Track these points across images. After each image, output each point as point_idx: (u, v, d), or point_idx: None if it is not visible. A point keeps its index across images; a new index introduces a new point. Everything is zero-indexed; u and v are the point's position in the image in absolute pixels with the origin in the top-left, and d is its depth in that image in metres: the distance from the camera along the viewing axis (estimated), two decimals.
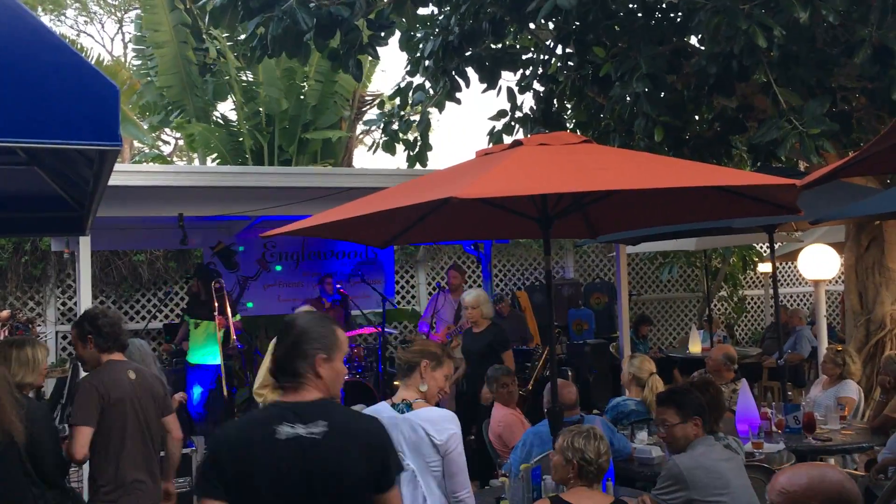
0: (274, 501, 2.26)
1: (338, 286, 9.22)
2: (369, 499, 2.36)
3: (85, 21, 25.76)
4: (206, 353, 8.10)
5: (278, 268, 9.73)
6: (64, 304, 10.14)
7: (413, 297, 11.75)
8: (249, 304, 9.48)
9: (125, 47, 26.05)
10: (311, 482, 2.26)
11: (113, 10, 25.83)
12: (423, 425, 3.37)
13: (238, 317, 8.35)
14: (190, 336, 8.28)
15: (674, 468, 3.64)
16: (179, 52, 11.63)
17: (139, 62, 12.89)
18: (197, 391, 8.15)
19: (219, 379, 7.75)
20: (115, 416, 3.91)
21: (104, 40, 29.60)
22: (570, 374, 8.60)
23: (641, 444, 5.10)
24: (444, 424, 3.40)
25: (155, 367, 5.21)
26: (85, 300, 6.47)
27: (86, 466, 4.20)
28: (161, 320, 10.35)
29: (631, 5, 6.77)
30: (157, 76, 11.95)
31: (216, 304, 7.46)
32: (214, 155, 12.67)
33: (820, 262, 6.99)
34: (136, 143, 15.66)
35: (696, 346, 9.92)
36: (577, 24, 6.55)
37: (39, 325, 9.83)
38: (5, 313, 9.13)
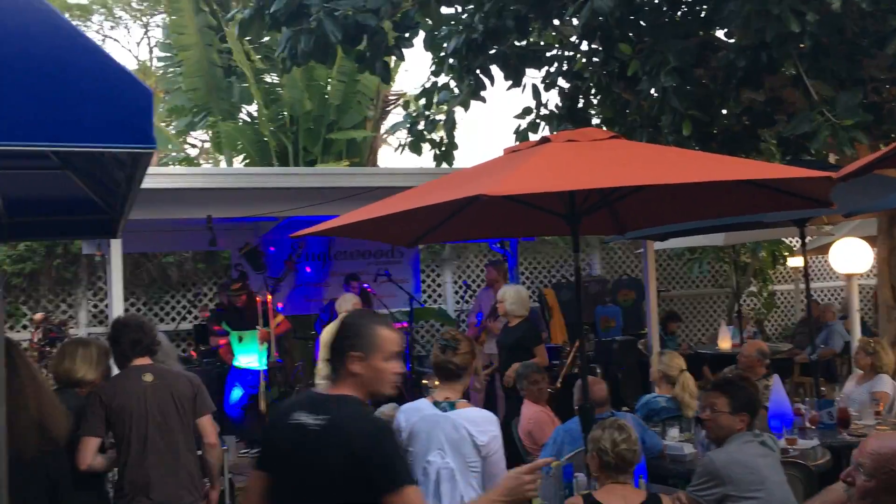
0: (280, 479, 2.51)
1: (365, 286, 9.24)
2: (363, 497, 2.38)
3: (111, 26, 26.07)
4: (251, 357, 8.22)
5: (307, 270, 9.78)
6: (95, 306, 10.26)
7: (440, 295, 11.75)
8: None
9: (150, 52, 26.35)
10: (302, 468, 2.45)
11: (138, 15, 26.11)
12: (466, 425, 3.37)
13: (280, 317, 8.43)
14: (233, 343, 8.36)
15: (710, 464, 3.61)
16: (205, 54, 11.73)
17: (163, 65, 13.01)
18: (237, 393, 8.21)
19: (262, 384, 7.87)
20: (119, 423, 3.89)
21: (130, 45, 29.84)
22: (598, 371, 8.55)
23: (673, 441, 5.07)
24: (486, 426, 3.40)
25: (176, 361, 5.11)
26: (116, 303, 6.54)
27: None
28: (191, 321, 10.44)
29: (656, 0, 6.73)
30: (184, 79, 12.06)
31: (260, 318, 7.59)
32: (242, 157, 12.77)
33: (852, 255, 6.90)
34: (161, 148, 15.81)
35: (725, 343, 9.83)
36: (603, 20, 6.51)
37: (72, 328, 9.96)
38: (39, 316, 9.26)
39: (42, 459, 3.55)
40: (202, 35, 11.63)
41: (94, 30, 25.66)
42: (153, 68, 22.90)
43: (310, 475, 2.43)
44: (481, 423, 3.40)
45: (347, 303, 7.00)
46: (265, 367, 8.15)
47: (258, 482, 2.59)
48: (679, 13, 6.80)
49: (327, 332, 6.27)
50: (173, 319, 10.49)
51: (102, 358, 4.13)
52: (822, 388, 7.04)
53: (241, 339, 8.28)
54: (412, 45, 7.37)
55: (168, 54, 12.82)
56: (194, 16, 11.57)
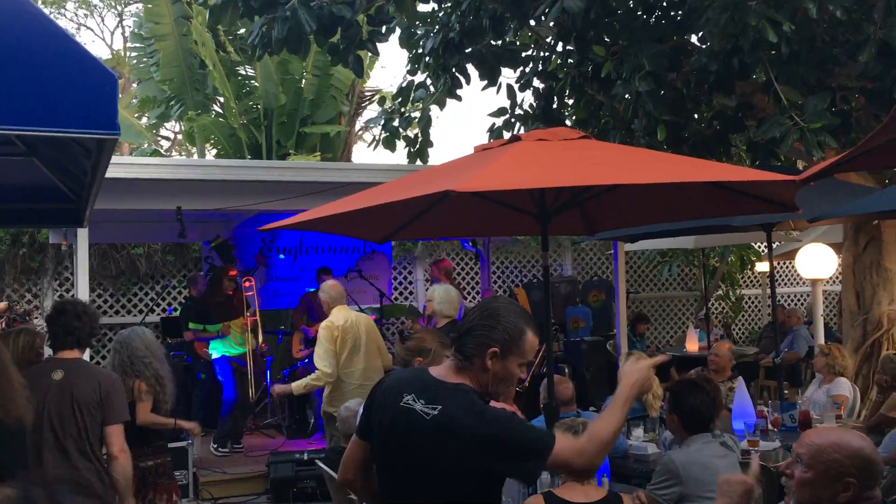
0: (385, 460, 2.48)
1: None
2: (467, 493, 2.34)
3: (85, 14, 25.73)
4: (229, 347, 8.16)
5: (281, 256, 9.71)
6: (61, 296, 10.12)
7: (411, 293, 11.75)
8: None
9: (125, 42, 26.05)
10: (407, 455, 2.39)
11: (113, 4, 25.78)
12: None
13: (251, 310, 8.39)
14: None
15: (669, 463, 3.65)
16: (180, 45, 11.62)
17: (137, 55, 12.86)
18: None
19: (240, 373, 7.83)
20: None
21: (104, 34, 29.52)
22: (566, 370, 8.59)
23: (637, 440, 5.11)
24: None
25: (160, 357, 4.96)
26: (82, 293, 6.46)
27: None
28: (158, 314, 10.34)
29: (630, 3, 6.77)
30: (159, 69, 11.93)
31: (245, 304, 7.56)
32: (214, 150, 12.67)
33: (817, 261, 7.00)
34: (133, 141, 15.64)
35: (692, 345, 9.93)
36: (576, 20, 6.55)
37: (37, 318, 9.82)
38: (2, 305, 9.13)
39: (13, 432, 3.45)
40: (177, 25, 11.53)
41: (69, 17, 25.32)
42: (127, 58, 22.64)
43: (413, 464, 2.39)
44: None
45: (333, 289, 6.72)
46: (239, 354, 8.12)
47: (360, 451, 2.57)
48: (653, 17, 6.85)
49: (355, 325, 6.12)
50: (140, 311, 10.39)
51: (25, 344, 4.04)
52: (786, 392, 7.15)
53: (226, 330, 8.22)
54: (387, 40, 7.37)
55: (140, 45, 12.66)
56: (171, 5, 11.46)
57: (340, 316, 6.08)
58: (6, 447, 3.31)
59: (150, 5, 11.78)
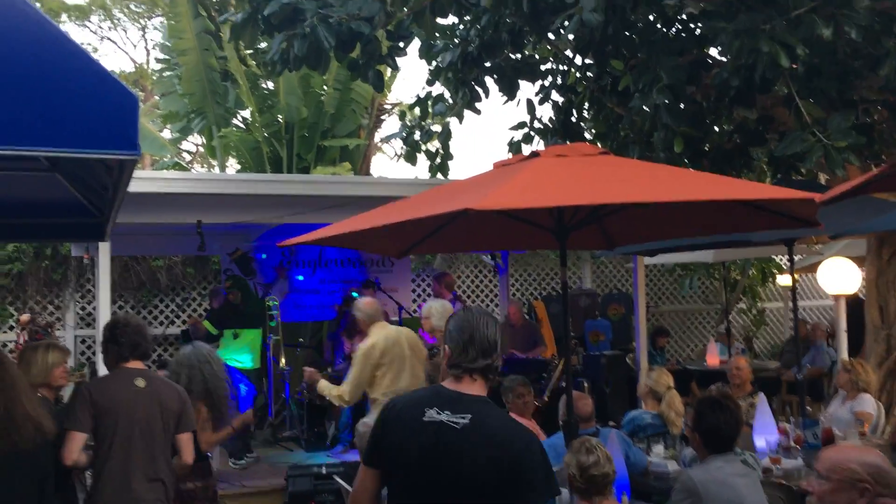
0: (416, 477, 2.43)
1: (354, 294, 9.23)
2: (502, 499, 2.36)
3: (109, 27, 26.05)
4: (241, 358, 8.20)
5: (300, 277, 9.75)
6: (83, 308, 10.22)
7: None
8: None
9: (147, 54, 26.36)
10: (440, 467, 2.39)
11: (136, 17, 26.10)
12: None
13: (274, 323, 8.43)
14: (223, 343, 8.32)
15: (688, 481, 3.61)
16: (202, 59, 11.73)
17: (160, 68, 13.01)
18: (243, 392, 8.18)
19: (257, 384, 7.87)
20: (103, 425, 3.84)
21: (127, 46, 29.89)
22: (585, 385, 8.54)
23: (658, 458, 5.06)
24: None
25: (221, 371, 4.95)
26: (104, 305, 6.52)
27: None
28: (179, 325, 10.41)
29: (650, 16, 6.76)
30: (181, 83, 12.06)
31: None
32: (237, 162, 12.77)
33: (840, 275, 6.93)
34: (156, 154, 15.80)
35: (713, 359, 9.84)
36: (597, 34, 6.54)
37: (59, 330, 9.91)
38: (25, 317, 9.23)
39: (35, 452, 3.52)
40: (199, 40, 11.65)
41: (92, 31, 25.65)
42: (150, 71, 22.87)
43: (447, 474, 2.38)
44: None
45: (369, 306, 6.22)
46: (254, 367, 8.16)
47: (371, 481, 2.54)
48: (673, 30, 6.83)
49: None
50: (161, 323, 10.46)
51: (55, 361, 4.10)
52: (809, 408, 7.05)
53: (235, 336, 8.26)
54: (405, 54, 7.39)
55: (165, 57, 12.81)
56: (192, 20, 11.58)
57: (381, 335, 5.74)
58: (27, 469, 3.38)
59: (172, 21, 11.92)
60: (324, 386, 5.91)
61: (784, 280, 12.32)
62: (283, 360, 8.43)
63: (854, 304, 8.68)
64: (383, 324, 5.97)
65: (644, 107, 6.27)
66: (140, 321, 4.20)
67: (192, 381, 4.65)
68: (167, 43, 12.68)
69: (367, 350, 5.67)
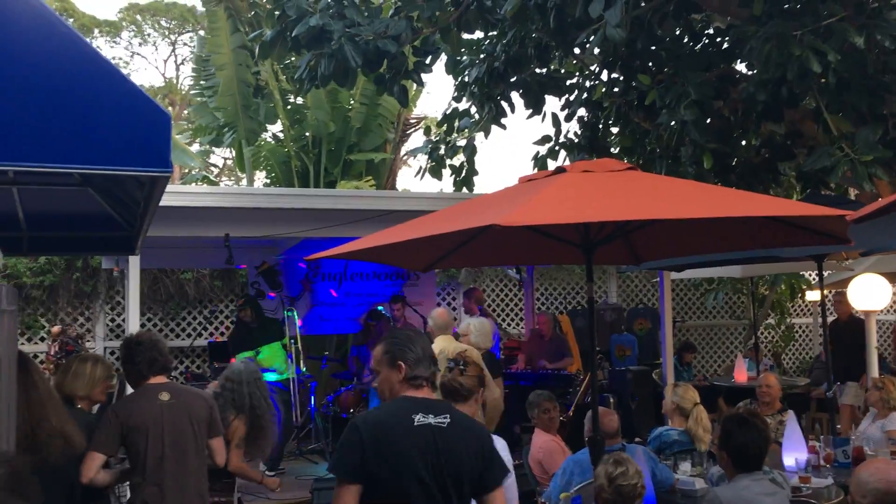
0: (411, 475, 2.67)
1: (380, 308, 9.26)
2: (475, 488, 2.78)
3: (140, 43, 26.48)
4: (268, 376, 8.25)
5: (334, 290, 9.79)
6: (112, 320, 10.34)
7: (454, 318, 11.73)
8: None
9: (177, 69, 26.74)
10: (438, 460, 2.70)
11: (167, 33, 26.49)
12: None
13: (287, 339, 8.44)
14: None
15: (714, 500, 3.57)
16: (236, 74, 11.85)
17: (193, 81, 13.17)
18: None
19: (282, 398, 7.89)
20: (134, 441, 3.88)
21: (157, 62, 30.33)
22: (611, 400, 8.48)
23: (685, 475, 5.01)
24: (503, 453, 3.41)
25: (267, 398, 4.92)
26: (133, 317, 6.59)
27: None
28: (206, 338, 10.49)
29: (678, 31, 6.75)
30: (217, 97, 12.21)
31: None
32: (264, 174, 12.88)
33: (871, 291, 6.83)
34: (185, 165, 16.00)
35: (741, 375, 9.73)
36: (624, 49, 6.54)
37: (88, 341, 10.04)
38: (56, 329, 9.36)
39: (64, 466, 3.57)
40: (236, 55, 11.75)
41: (123, 46, 26.07)
42: (179, 86, 23.18)
43: (445, 466, 2.70)
44: (500, 449, 3.40)
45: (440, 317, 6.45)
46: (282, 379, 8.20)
47: (354, 498, 2.67)
48: (699, 45, 6.81)
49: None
50: (189, 335, 10.56)
51: (101, 376, 4.14)
52: (839, 426, 6.95)
53: (257, 354, 8.31)
54: (431, 71, 7.44)
55: (197, 67, 12.96)
56: (230, 35, 11.70)
57: (437, 347, 5.74)
58: (52, 484, 3.41)
59: (210, 35, 12.07)
60: None
61: (813, 296, 12.17)
62: (303, 367, 8.44)
63: (843, 323, 8.60)
64: (447, 337, 6.07)
65: (671, 122, 6.25)
66: (154, 336, 4.19)
67: (238, 397, 4.69)
68: (202, 55, 12.82)
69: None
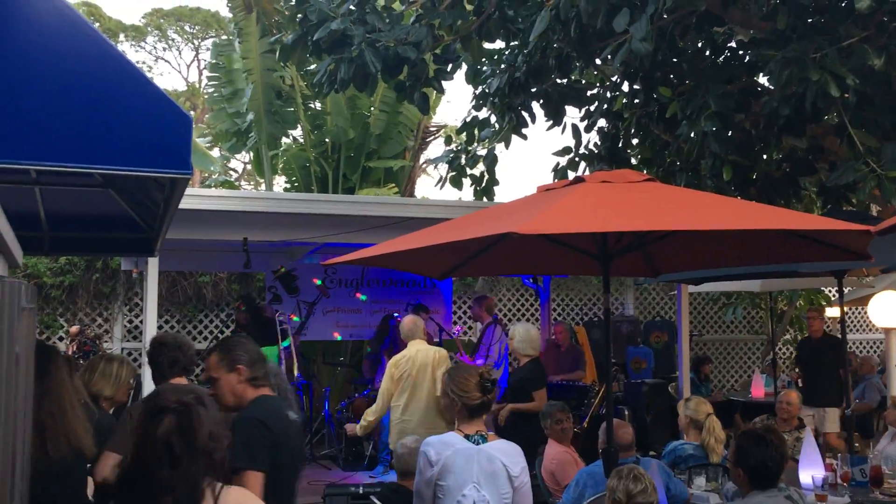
0: (292, 461, 3.13)
1: (395, 315, 9.26)
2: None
3: (164, 48, 26.74)
4: None
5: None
6: (130, 321, 10.41)
7: (470, 327, 11.72)
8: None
9: (200, 74, 26.96)
10: (299, 456, 3.28)
11: (190, 38, 26.74)
12: (500, 457, 3.34)
13: (288, 341, 8.42)
14: None
15: None
16: (263, 78, 11.92)
17: (213, 89, 13.25)
18: None
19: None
20: None
21: (181, 66, 30.65)
22: (626, 413, 8.44)
23: (699, 490, 4.97)
24: (517, 458, 3.40)
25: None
26: (151, 319, 6.63)
27: None
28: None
29: (699, 44, 6.72)
30: (240, 102, 12.28)
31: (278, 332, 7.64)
32: (283, 179, 12.94)
33: (892, 308, 6.76)
34: (205, 169, 16.11)
35: (758, 391, 9.65)
36: (642, 61, 6.53)
37: (106, 342, 10.11)
38: (74, 329, 9.43)
39: (67, 465, 3.57)
40: (263, 60, 11.81)
41: (148, 50, 26.34)
42: (202, 90, 23.37)
43: (299, 461, 3.25)
44: (513, 455, 3.39)
45: (405, 325, 6.67)
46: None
47: (262, 484, 2.90)
48: (722, 58, 6.78)
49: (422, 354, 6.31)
50: (206, 338, 10.60)
51: (126, 376, 4.16)
52: (857, 444, 6.87)
53: None
54: (452, 78, 7.46)
55: (217, 74, 13.03)
56: (258, 40, 11.77)
57: (404, 352, 6.27)
58: (54, 481, 3.42)
59: (239, 40, 12.16)
60: (359, 427, 6.49)
61: (833, 312, 12.04)
62: (296, 374, 8.39)
63: (816, 341, 8.51)
64: (418, 341, 6.36)
65: (692, 134, 6.23)
66: (178, 338, 4.21)
67: None
68: (219, 62, 12.91)
69: (391, 361, 6.25)
